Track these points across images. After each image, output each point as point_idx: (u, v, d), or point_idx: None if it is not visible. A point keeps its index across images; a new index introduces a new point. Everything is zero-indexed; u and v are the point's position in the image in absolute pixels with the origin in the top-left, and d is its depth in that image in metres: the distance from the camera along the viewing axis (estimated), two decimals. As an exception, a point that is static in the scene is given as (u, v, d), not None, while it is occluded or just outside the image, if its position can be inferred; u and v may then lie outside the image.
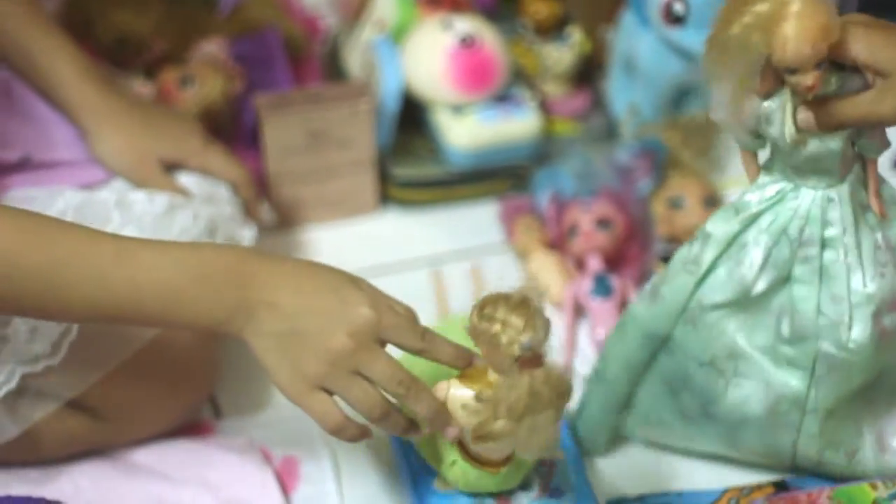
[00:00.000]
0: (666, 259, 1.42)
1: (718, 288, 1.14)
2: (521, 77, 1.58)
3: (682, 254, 1.15)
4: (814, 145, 1.06)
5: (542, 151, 1.55)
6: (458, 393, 1.05)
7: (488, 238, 1.50)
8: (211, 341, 1.27)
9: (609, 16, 1.57)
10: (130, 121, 1.33)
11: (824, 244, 1.11)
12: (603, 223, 1.41)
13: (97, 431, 1.22)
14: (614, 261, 1.42)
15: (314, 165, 1.51)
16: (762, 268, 1.12)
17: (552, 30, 1.62)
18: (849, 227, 1.10)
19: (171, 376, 1.24)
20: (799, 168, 1.09)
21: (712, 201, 1.44)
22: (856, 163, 1.09)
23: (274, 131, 1.48)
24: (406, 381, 1.04)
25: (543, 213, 1.45)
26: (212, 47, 1.55)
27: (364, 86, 1.52)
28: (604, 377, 1.23)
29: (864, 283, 1.11)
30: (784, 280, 1.13)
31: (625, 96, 1.55)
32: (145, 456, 1.24)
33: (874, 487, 1.14)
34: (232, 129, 1.54)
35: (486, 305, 1.03)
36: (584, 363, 1.35)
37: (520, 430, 0.99)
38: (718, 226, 1.13)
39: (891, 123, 1.04)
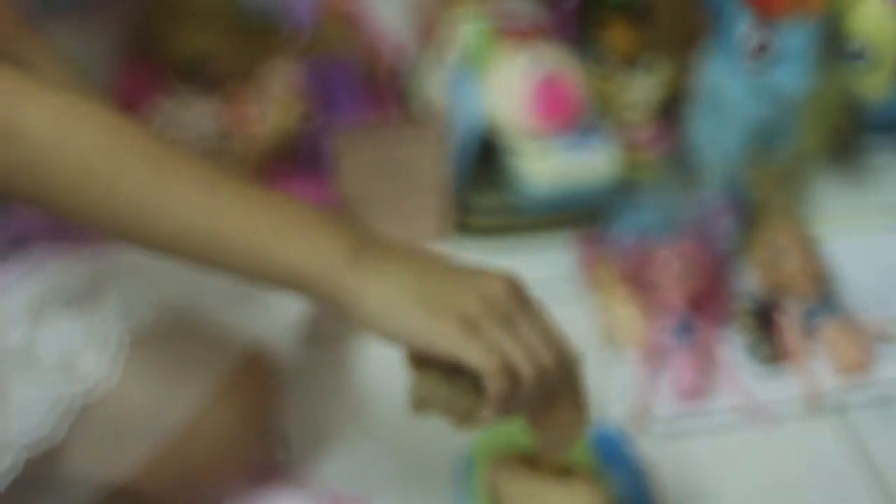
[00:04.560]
0: (753, 312, 1.39)
1: None
2: (602, 110, 1.55)
3: None
4: None
5: (623, 186, 1.52)
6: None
7: (562, 272, 1.47)
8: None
9: (694, 48, 1.54)
10: None
11: None
12: (686, 263, 1.38)
13: None
14: (696, 302, 1.38)
15: (389, 194, 1.49)
16: None
17: (635, 61, 1.59)
18: None
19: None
20: None
21: (811, 243, 1.40)
22: None
23: (349, 160, 1.46)
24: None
25: (623, 251, 1.42)
26: (285, 73, 1.54)
27: (440, 115, 1.49)
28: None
29: None
30: None
31: (709, 134, 1.52)
32: None
33: None
34: (300, 155, 1.52)
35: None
36: (663, 406, 1.32)
37: None
38: None
39: None
